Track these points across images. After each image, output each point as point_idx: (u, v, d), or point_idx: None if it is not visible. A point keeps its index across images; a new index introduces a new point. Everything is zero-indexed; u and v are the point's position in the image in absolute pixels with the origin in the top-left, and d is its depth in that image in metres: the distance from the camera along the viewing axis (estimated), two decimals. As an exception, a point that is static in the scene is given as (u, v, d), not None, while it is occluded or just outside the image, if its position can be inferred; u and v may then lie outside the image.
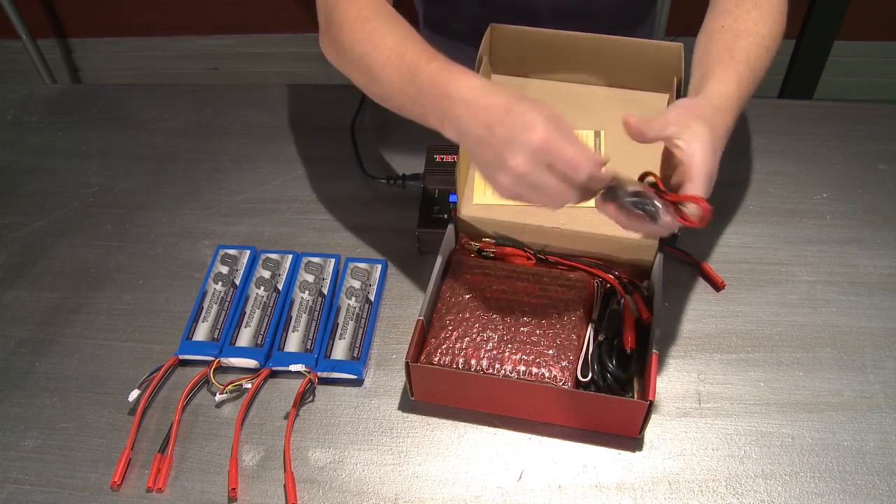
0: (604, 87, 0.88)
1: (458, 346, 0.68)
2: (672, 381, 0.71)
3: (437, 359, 0.67)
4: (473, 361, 0.67)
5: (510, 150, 0.57)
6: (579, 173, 0.57)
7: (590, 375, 0.66)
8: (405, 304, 0.79)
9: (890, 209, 0.87)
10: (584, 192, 0.60)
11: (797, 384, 0.71)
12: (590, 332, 0.70)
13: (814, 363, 0.72)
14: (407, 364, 0.66)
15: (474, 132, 0.59)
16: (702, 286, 0.79)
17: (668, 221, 0.58)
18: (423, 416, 0.69)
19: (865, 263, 0.81)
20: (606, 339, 0.68)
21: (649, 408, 0.62)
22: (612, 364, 0.66)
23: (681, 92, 0.82)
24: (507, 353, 0.67)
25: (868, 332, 0.75)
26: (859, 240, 0.83)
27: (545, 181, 0.58)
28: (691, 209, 0.57)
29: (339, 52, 0.71)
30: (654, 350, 0.65)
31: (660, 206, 0.58)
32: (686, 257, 0.81)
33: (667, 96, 0.86)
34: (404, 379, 0.70)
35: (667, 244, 0.74)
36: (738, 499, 0.63)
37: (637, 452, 0.66)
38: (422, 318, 0.68)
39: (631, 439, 0.67)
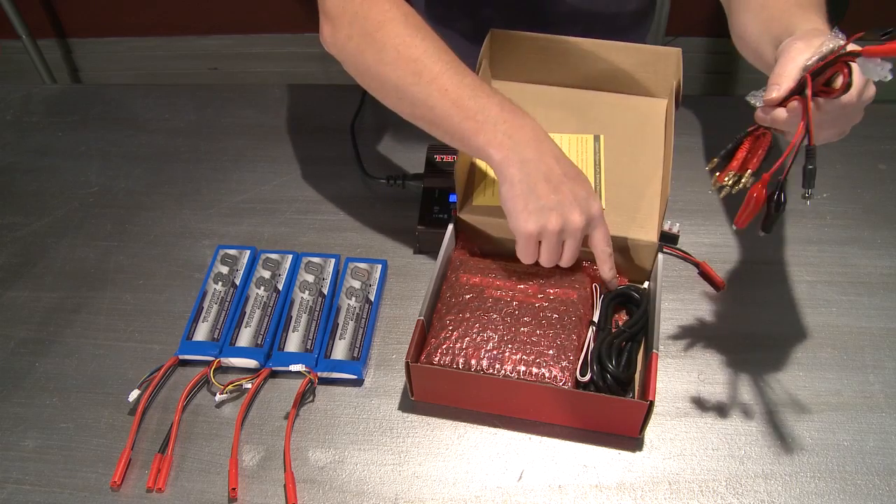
0: (602, 93, 0.88)
1: (458, 346, 0.68)
2: (672, 381, 0.71)
3: (437, 359, 0.67)
4: (473, 361, 0.67)
5: (577, 207, 0.66)
6: (604, 247, 0.69)
7: (589, 375, 0.66)
8: (405, 304, 0.79)
9: (890, 209, 0.87)
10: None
11: (797, 384, 0.71)
12: (590, 332, 0.70)
13: (814, 363, 0.72)
14: (407, 364, 0.66)
15: (543, 172, 0.65)
16: (702, 286, 0.79)
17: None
18: (423, 416, 0.69)
19: (865, 263, 0.81)
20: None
21: (649, 408, 0.62)
22: (611, 364, 0.66)
23: (679, 97, 0.82)
24: (507, 353, 0.67)
25: (868, 332, 0.75)
26: (859, 240, 0.83)
27: (573, 245, 0.68)
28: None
29: (371, 49, 0.70)
30: (654, 350, 0.65)
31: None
32: (686, 257, 0.81)
33: (665, 101, 0.86)
34: (404, 379, 0.70)
35: (667, 244, 0.75)
36: (738, 499, 0.63)
37: (637, 452, 0.66)
38: (422, 318, 0.68)
39: (631, 439, 0.67)
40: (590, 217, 0.67)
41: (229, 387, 0.70)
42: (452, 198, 0.84)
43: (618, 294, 0.73)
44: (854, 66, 0.54)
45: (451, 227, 0.76)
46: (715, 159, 0.63)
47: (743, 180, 0.61)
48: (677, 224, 0.82)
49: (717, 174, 0.62)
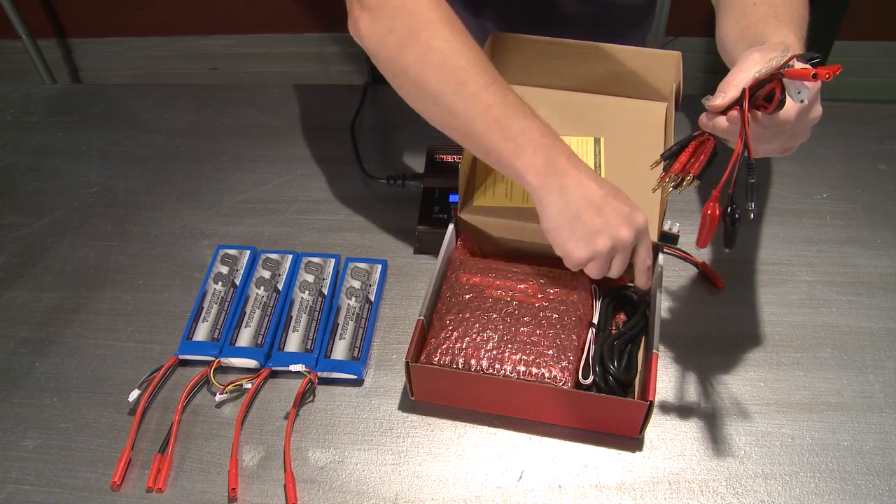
0: (602, 96, 0.88)
1: (458, 346, 0.68)
2: (672, 382, 0.71)
3: (437, 359, 0.67)
4: (473, 361, 0.67)
5: (624, 223, 0.65)
6: (647, 259, 0.68)
7: (591, 377, 0.66)
8: (405, 304, 0.79)
9: (890, 209, 0.87)
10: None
11: (797, 384, 0.71)
12: (590, 333, 0.70)
13: (814, 363, 0.72)
14: (407, 364, 0.66)
15: (585, 197, 0.64)
16: (702, 286, 0.79)
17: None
18: (423, 416, 0.69)
19: (865, 263, 0.81)
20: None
21: (649, 408, 0.62)
22: (613, 365, 0.66)
23: (679, 100, 0.82)
24: (507, 354, 0.67)
25: (868, 332, 0.75)
26: (859, 240, 0.83)
27: (623, 258, 0.67)
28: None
29: (414, 49, 0.66)
30: (654, 350, 0.65)
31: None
32: (686, 257, 0.81)
33: (664, 105, 0.86)
34: (404, 379, 0.70)
35: (667, 244, 0.75)
36: (738, 499, 0.63)
37: (637, 452, 0.66)
38: (422, 318, 0.68)
39: (631, 439, 0.67)
40: (637, 230, 0.66)
41: (229, 387, 0.70)
42: (452, 198, 0.84)
43: (617, 295, 0.73)
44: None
45: (451, 227, 0.76)
46: (659, 159, 0.63)
47: (684, 183, 0.61)
48: (677, 224, 0.82)
49: (661, 175, 0.63)
